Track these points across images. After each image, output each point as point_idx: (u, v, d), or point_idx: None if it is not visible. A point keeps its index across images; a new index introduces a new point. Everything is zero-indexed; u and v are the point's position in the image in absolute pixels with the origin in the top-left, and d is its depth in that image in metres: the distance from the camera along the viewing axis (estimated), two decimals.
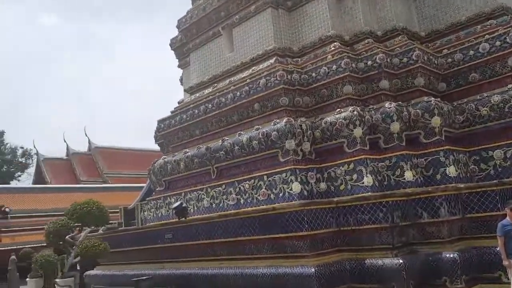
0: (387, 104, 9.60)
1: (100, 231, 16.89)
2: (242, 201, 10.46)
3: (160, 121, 13.79)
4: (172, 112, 13.60)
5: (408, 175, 8.92)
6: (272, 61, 11.29)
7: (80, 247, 8.57)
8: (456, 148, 9.55)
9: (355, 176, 9.11)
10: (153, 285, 10.04)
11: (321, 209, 8.16)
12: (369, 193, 8.54)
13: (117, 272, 12.20)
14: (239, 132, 10.97)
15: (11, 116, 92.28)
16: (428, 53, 10.35)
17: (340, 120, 9.60)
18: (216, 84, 12.82)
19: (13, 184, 47.98)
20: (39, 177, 52.17)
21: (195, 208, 11.71)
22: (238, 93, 11.29)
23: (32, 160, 54.36)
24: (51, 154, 52.53)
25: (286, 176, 9.54)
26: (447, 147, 9.19)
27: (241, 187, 10.53)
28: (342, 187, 9.35)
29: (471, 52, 10.26)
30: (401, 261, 7.50)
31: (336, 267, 8.02)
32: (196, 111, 12.44)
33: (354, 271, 8.05)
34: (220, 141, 11.29)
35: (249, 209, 9.43)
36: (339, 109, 9.89)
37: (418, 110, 9.53)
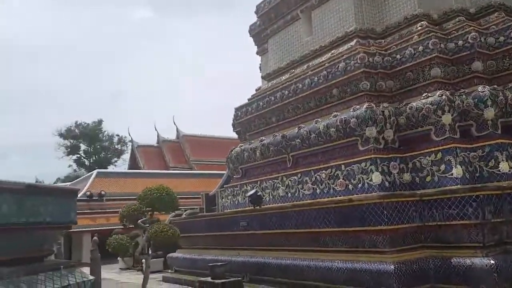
0: (480, 88, 8.60)
1: (183, 216, 17.44)
2: (318, 191, 10.05)
3: (237, 109, 13.72)
4: (249, 99, 13.47)
5: (504, 166, 7.92)
6: (352, 43, 10.65)
7: (150, 232, 8.73)
8: None
9: (443, 167, 8.29)
10: (227, 272, 10.01)
11: (403, 202, 7.49)
12: (458, 186, 7.70)
13: (196, 256, 12.42)
14: (316, 119, 10.52)
15: (108, 106, 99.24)
16: None
17: (427, 105, 8.78)
18: (293, 70, 12.43)
19: (110, 168, 51.50)
20: (133, 163, 55.47)
21: (270, 196, 11.50)
22: (316, 78, 10.82)
23: (127, 147, 58.00)
24: (143, 141, 55.63)
25: (365, 166, 8.95)
26: None
27: (317, 177, 10.10)
28: (428, 178, 8.56)
29: None
30: (492, 261, 6.65)
31: (418, 265, 7.34)
32: (273, 98, 12.17)
33: (439, 270, 7.31)
34: (296, 128, 10.92)
35: (324, 199, 8.99)
36: (426, 94, 9.05)
37: None
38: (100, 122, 56.73)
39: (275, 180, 11.45)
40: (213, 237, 11.90)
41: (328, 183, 9.81)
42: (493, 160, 8.16)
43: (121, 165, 58.30)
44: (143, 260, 10.13)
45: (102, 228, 23.49)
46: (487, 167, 8.23)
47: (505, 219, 7.21)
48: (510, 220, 7.24)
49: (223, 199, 13.76)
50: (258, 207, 10.74)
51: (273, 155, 11.76)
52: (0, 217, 4.10)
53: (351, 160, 9.31)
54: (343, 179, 9.42)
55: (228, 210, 12.60)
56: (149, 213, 9.41)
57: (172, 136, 58.41)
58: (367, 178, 8.87)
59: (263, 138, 12.22)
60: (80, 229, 23.15)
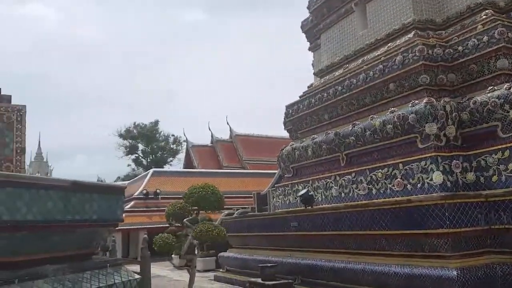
0: None
1: (235, 215, 17.38)
2: (374, 191, 9.56)
3: (288, 106, 13.43)
4: (300, 96, 13.14)
5: None
6: (410, 35, 10.06)
7: (196, 231, 8.60)
8: None
9: (511, 166, 7.59)
10: (278, 273, 9.77)
11: (467, 203, 6.92)
12: None
13: (247, 256, 12.26)
14: (371, 116, 10.03)
15: (164, 106, 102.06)
16: None
17: (493, 99, 8.08)
18: (347, 65, 11.97)
19: (166, 168, 52.81)
20: (188, 162, 56.55)
21: (323, 196, 11.11)
22: (371, 73, 10.32)
23: (181, 146, 59.16)
24: (198, 141, 56.62)
25: (425, 165, 8.39)
26: None
27: (373, 176, 9.62)
28: (494, 178, 7.87)
29: None
30: None
31: (484, 271, 6.75)
32: (325, 94, 11.77)
33: (507, 278, 6.68)
34: (351, 126, 10.47)
35: (380, 200, 8.52)
36: (491, 87, 8.35)
37: None
38: (156, 122, 58.32)
39: (328, 180, 11.05)
40: (264, 237, 11.69)
41: (385, 183, 9.31)
42: None
43: (176, 164, 59.65)
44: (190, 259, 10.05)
45: (157, 225, 24.01)
46: None
47: None
48: None
49: (274, 199, 13.51)
50: (309, 207, 10.41)
51: (325, 153, 11.37)
52: (45, 214, 4.07)
53: (410, 158, 8.77)
54: (401, 178, 8.88)
55: (279, 210, 12.34)
56: (195, 211, 9.30)
57: (225, 136, 59.05)
58: (427, 178, 8.30)
59: (315, 136, 11.85)
60: (137, 227, 23.75)
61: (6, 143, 4.99)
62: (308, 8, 13.87)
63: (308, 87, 14.43)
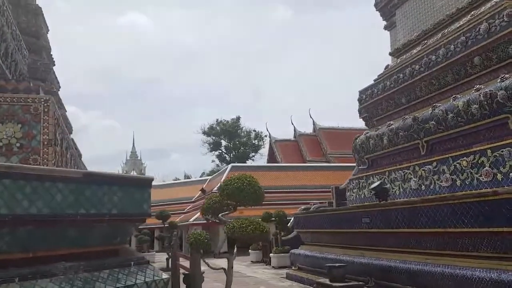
0: None
1: (312, 208, 16.57)
2: (458, 182, 8.29)
3: (362, 92, 12.34)
4: (375, 80, 12.00)
5: None
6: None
7: (227, 227, 7.88)
8: None
9: None
10: (348, 273, 8.88)
11: None
12: None
13: (318, 254, 11.45)
14: (454, 96, 8.74)
15: (248, 103, 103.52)
16: None
17: None
18: (425, 41, 10.64)
19: (249, 163, 53.18)
20: (271, 157, 56.50)
21: (401, 189, 9.97)
22: (452, 47, 9.00)
23: (263, 142, 59.31)
24: (280, 136, 56.31)
25: None
26: None
27: (457, 165, 8.35)
28: None
29: None
30: None
31: None
32: (401, 75, 10.57)
33: None
34: (430, 109, 9.23)
35: (460, 193, 7.28)
36: None
37: None
38: (238, 118, 59.05)
39: (406, 171, 9.89)
40: (334, 234, 10.81)
41: (471, 173, 8.02)
42: None
43: (258, 159, 59.96)
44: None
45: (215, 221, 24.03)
46: None
47: None
48: None
49: (349, 193, 12.53)
50: (383, 201, 9.36)
51: (403, 141, 10.19)
52: (52, 208, 3.71)
53: (500, 143, 7.43)
54: (489, 167, 7.57)
55: (349, 205, 11.37)
56: (230, 206, 8.52)
57: (308, 129, 58.09)
58: None
59: (391, 122, 10.70)
60: (216, 221, 23.90)
61: (34, 135, 4.75)
62: None
63: (384, 69, 13.19)
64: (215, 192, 8.72)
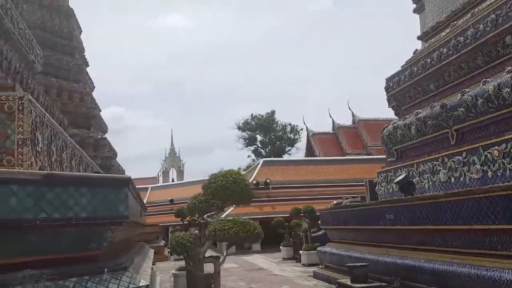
0: None
1: (345, 203, 15.95)
2: (489, 173, 7.55)
3: (389, 79, 11.61)
4: (402, 66, 11.25)
5: None
6: None
7: (209, 229, 7.36)
8: None
9: None
10: (372, 273, 8.33)
11: None
12: None
13: (343, 252, 10.90)
14: (484, 80, 7.96)
15: (281, 96, 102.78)
16: None
17: None
18: (454, 22, 9.81)
19: (285, 157, 52.60)
20: (309, 151, 55.70)
21: (430, 182, 9.26)
22: (481, 26, 8.21)
23: (299, 135, 58.38)
24: (317, 129, 55.34)
25: None
26: None
27: (488, 155, 7.61)
28: None
29: None
30: None
31: None
32: (429, 60, 9.82)
33: None
34: (459, 94, 8.48)
35: (486, 187, 6.55)
36: None
37: None
38: (272, 113, 58.33)
39: (435, 162, 9.17)
40: (359, 231, 10.23)
41: (503, 163, 7.27)
42: None
43: (294, 153, 59.13)
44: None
45: (268, 215, 23.60)
46: None
47: None
48: None
49: (378, 187, 11.88)
50: (409, 195, 8.71)
51: (431, 130, 9.46)
52: (6, 213, 3.46)
53: None
54: None
55: (373, 201, 10.73)
56: (216, 205, 7.88)
57: (347, 122, 56.78)
58: None
59: (419, 111, 9.97)
60: (248, 217, 23.63)
61: (8, 135, 4.52)
62: None
63: (413, 54, 12.39)
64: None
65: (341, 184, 31.07)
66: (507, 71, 7.37)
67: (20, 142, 4.53)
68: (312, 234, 16.70)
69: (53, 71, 17.43)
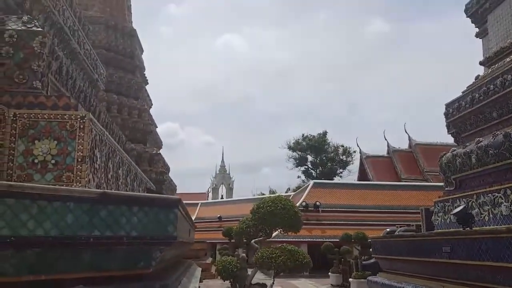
0: None
1: (398, 232, 15.39)
2: None
3: (448, 105, 11.19)
4: (463, 92, 10.81)
5: None
6: None
7: (256, 256, 7.14)
8: None
9: None
10: None
11: None
12: None
13: (395, 284, 10.44)
14: None
15: (336, 118, 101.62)
16: None
17: None
18: None
19: (336, 180, 51.69)
20: (362, 174, 54.51)
21: (490, 215, 8.75)
22: None
23: (352, 157, 57.26)
24: (371, 152, 54.12)
25: None
26: None
27: None
28: None
29: None
30: None
31: None
32: (492, 86, 9.37)
33: None
34: None
35: None
36: None
37: None
38: (325, 133, 57.76)
39: (496, 194, 8.67)
40: (413, 263, 9.77)
41: None
42: None
43: (346, 175, 58.05)
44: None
45: (317, 239, 23.15)
46: None
47: None
48: None
49: (434, 216, 11.37)
50: (467, 228, 8.25)
51: (493, 160, 8.98)
52: (62, 229, 3.58)
53: None
54: None
55: (428, 232, 10.24)
56: (263, 230, 7.67)
57: (403, 145, 55.21)
58: None
59: (480, 139, 9.50)
60: (296, 240, 23.31)
61: (69, 152, 4.74)
62: None
63: (474, 79, 11.88)
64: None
65: (395, 210, 30.09)
66: None
67: (79, 159, 4.72)
68: (363, 262, 16.19)
69: (115, 88, 18.28)
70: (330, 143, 57.95)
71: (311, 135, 57.70)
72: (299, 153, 57.24)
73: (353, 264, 16.75)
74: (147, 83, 23.45)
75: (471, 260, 7.39)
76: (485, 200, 8.99)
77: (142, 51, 22.85)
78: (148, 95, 23.60)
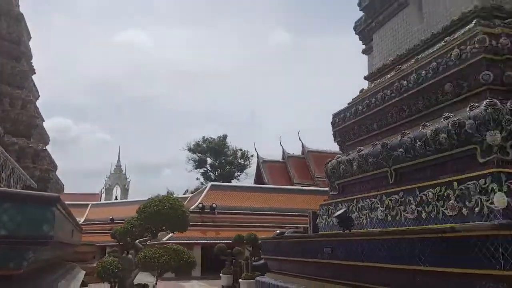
0: None
1: (287, 233, 15.97)
2: (424, 215, 7.82)
3: (335, 115, 11.95)
4: (348, 103, 11.62)
5: None
6: (471, 25, 8.28)
7: (139, 256, 7.19)
8: None
9: None
10: None
11: None
12: None
13: (282, 284, 10.87)
14: (423, 124, 8.34)
15: (237, 123, 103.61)
16: None
17: None
18: (400, 66, 10.31)
19: (234, 182, 52.48)
20: (258, 178, 55.81)
21: (368, 219, 9.50)
22: (423, 72, 8.65)
23: (250, 161, 58.68)
24: (268, 156, 55.68)
25: (485, 184, 6.59)
26: None
27: (423, 196, 7.89)
28: None
29: None
30: None
31: None
32: (373, 99, 10.20)
33: None
34: (400, 136, 8.83)
35: (417, 228, 6.82)
36: None
37: None
38: (224, 137, 58.54)
39: (373, 199, 9.43)
40: (298, 263, 10.26)
41: (437, 205, 7.56)
42: None
43: (243, 179, 59.20)
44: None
45: (212, 241, 23.26)
46: None
47: None
48: None
49: (319, 219, 12.03)
50: (347, 230, 8.86)
51: (372, 168, 9.76)
52: None
53: (466, 175, 6.99)
54: (455, 200, 7.12)
55: (312, 233, 10.86)
56: (149, 231, 7.67)
57: (297, 152, 57.56)
58: (487, 201, 6.50)
59: (362, 148, 10.28)
60: (190, 241, 23.19)
61: None
62: (359, 5, 12.37)
63: (359, 92, 12.83)
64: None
65: (288, 213, 31.31)
66: (444, 117, 7.76)
67: None
68: (253, 263, 16.59)
69: None
70: (230, 147, 59.06)
71: (212, 138, 58.26)
72: (199, 155, 57.31)
73: (243, 265, 17.10)
74: (34, 73, 21.76)
75: (349, 261, 7.94)
76: (363, 204, 9.74)
77: (29, 37, 21.14)
78: (34, 85, 21.89)
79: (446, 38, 8.88)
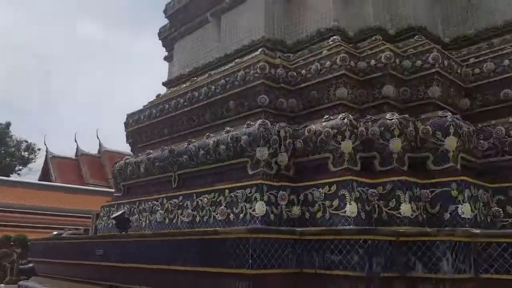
0: (388, 115, 7.41)
1: (64, 235, 14.97)
2: (197, 219, 8.33)
3: (129, 116, 11.88)
4: (144, 106, 11.68)
5: (405, 208, 6.63)
6: (257, 53, 9.29)
7: None
8: (475, 182, 7.24)
9: (336, 202, 6.87)
10: None
11: (278, 240, 5.95)
12: (344, 227, 6.31)
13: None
14: (207, 134, 8.93)
15: (23, 109, 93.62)
16: (449, 58, 8.15)
17: (327, 129, 7.42)
18: (195, 78, 10.86)
19: (13, 177, 46.87)
20: (45, 174, 51.17)
21: (147, 221, 9.63)
22: (213, 87, 9.30)
23: (35, 155, 53.36)
24: (60, 152, 51.58)
25: (250, 193, 7.39)
26: (462, 178, 6.90)
27: (199, 202, 8.41)
28: (319, 214, 7.11)
29: (506, 62, 8.01)
30: None
31: None
32: (167, 106, 10.49)
33: None
34: (186, 143, 9.26)
35: (186, 230, 7.30)
36: (327, 116, 7.74)
37: (428, 127, 7.28)
38: (8, 125, 51.87)
39: (155, 202, 9.62)
40: (70, 266, 9.77)
41: (210, 210, 8.14)
42: (394, 200, 6.83)
43: (26, 174, 53.46)
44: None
45: None
46: (386, 207, 6.90)
47: (398, 275, 5.85)
48: (404, 277, 5.88)
49: (98, 220, 11.67)
50: (124, 232, 8.84)
51: (158, 172, 9.97)
52: None
53: (236, 184, 7.74)
54: (225, 206, 7.79)
55: (84, 235, 10.56)
56: None
57: (94, 151, 54.81)
58: (250, 208, 7.30)
59: (151, 151, 10.42)
60: None
61: None
62: (165, 12, 12.61)
63: (156, 96, 13.01)
64: None
65: (75, 214, 29.49)
66: (225, 131, 8.46)
67: None
68: (20, 266, 15.05)
69: None
70: (13, 137, 52.26)
71: None
72: None
73: (8, 268, 15.39)
74: None
75: (121, 263, 7.93)
76: (145, 207, 9.85)
77: None
78: None
79: (237, 60, 9.76)
